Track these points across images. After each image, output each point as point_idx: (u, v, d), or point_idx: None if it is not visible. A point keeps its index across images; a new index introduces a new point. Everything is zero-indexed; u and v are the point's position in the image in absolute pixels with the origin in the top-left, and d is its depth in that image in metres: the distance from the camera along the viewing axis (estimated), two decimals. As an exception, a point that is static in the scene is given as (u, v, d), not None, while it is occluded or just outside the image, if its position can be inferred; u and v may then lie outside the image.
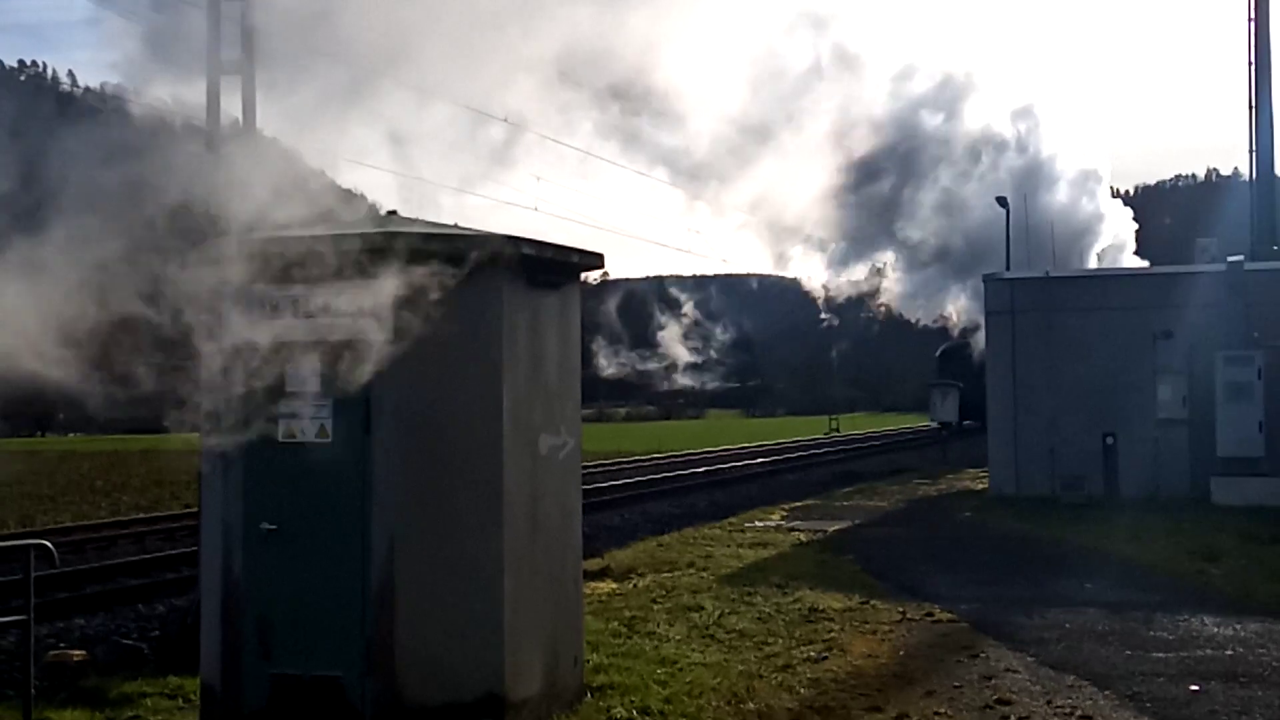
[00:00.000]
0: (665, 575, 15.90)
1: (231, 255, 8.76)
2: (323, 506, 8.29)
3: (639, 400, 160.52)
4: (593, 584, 14.12)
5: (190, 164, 8.94)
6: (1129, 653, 11.03)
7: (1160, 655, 10.92)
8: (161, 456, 56.73)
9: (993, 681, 9.98)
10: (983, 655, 10.94)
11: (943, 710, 9.14)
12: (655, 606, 13.47)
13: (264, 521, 8.34)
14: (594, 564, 15.87)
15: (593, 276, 10.24)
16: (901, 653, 11.16)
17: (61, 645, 13.01)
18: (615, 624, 12.34)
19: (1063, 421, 25.40)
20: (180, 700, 9.83)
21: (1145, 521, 20.21)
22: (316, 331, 8.34)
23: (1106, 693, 9.63)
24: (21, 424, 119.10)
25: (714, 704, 9.22)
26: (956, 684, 9.92)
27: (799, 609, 13.14)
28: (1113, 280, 27.41)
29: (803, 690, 9.70)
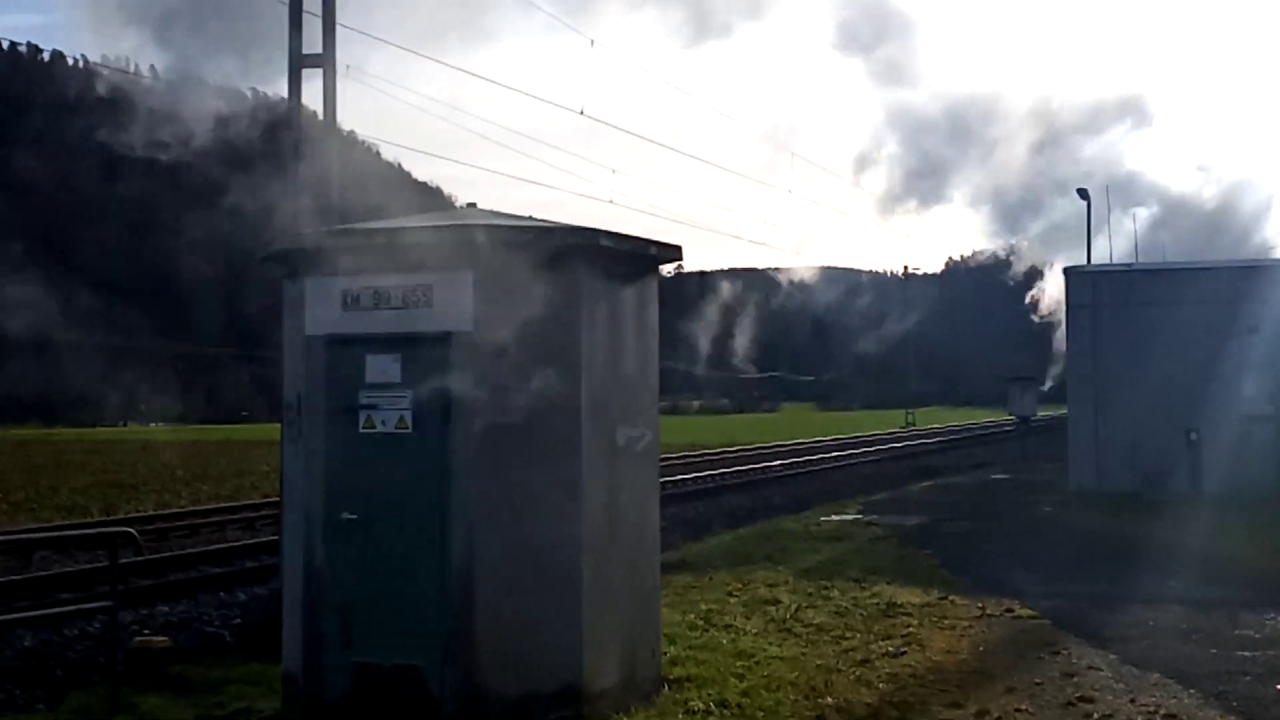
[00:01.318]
0: (741, 568, 15.86)
1: (311, 247, 8.84)
2: (403, 497, 8.34)
3: (713, 393, 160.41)
4: (669, 577, 14.09)
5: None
6: (1214, 651, 10.85)
7: (1246, 654, 10.73)
8: (240, 447, 57.61)
9: (1075, 679, 9.84)
10: (1064, 652, 10.80)
11: (1024, 707, 9.03)
12: (732, 599, 13.44)
13: (345, 511, 8.41)
14: (670, 557, 15.84)
15: (668, 269, 10.20)
16: (981, 649, 11.05)
17: (146, 632, 13.20)
18: (692, 617, 12.31)
19: (1145, 416, 25.00)
20: (263, 688, 9.92)
21: (1229, 518, 19.88)
22: (396, 323, 8.38)
23: (1191, 691, 9.47)
24: (105, 414, 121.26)
25: (791, 698, 9.17)
26: (1037, 680, 9.80)
27: (877, 603, 13.05)
28: (1198, 273, 26.91)
29: (881, 685, 9.62)
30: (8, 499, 31.48)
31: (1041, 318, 66.02)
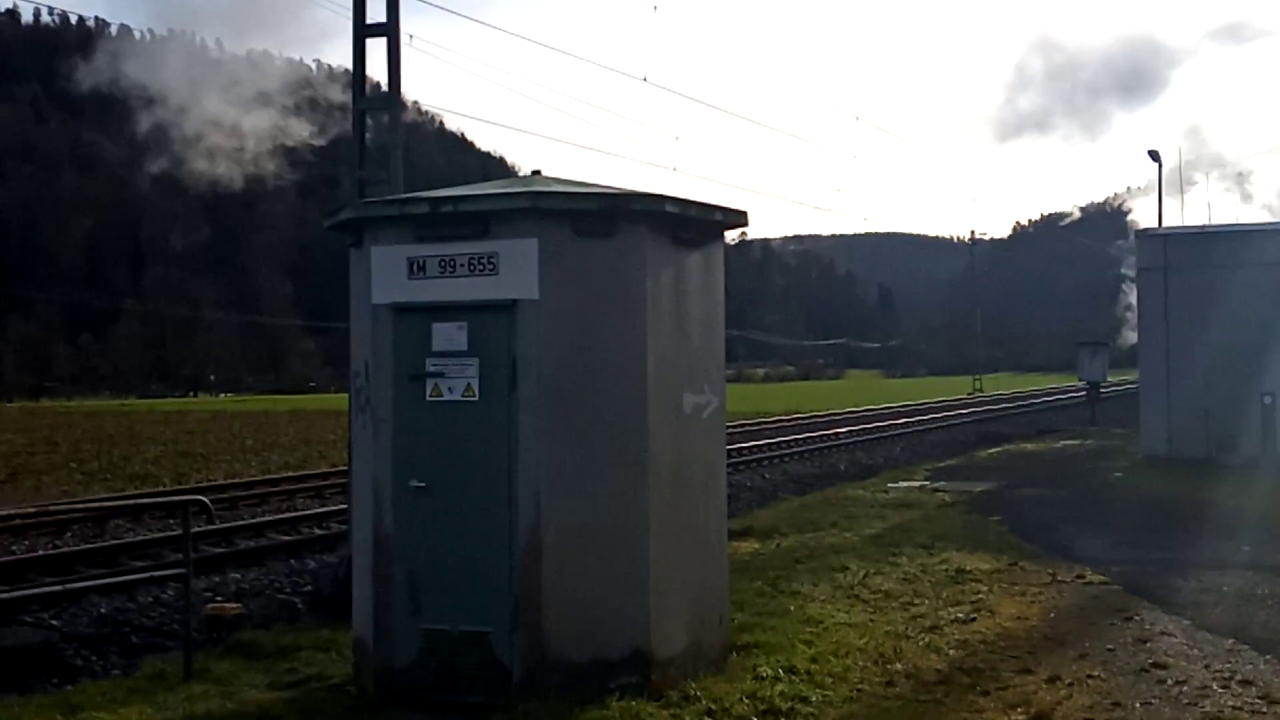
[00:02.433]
0: (808, 535, 15.82)
1: (378, 215, 8.86)
2: (470, 464, 8.35)
3: (777, 361, 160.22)
4: (736, 543, 14.08)
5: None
6: (1289, 617, 10.69)
7: (1323, 620, 10.56)
8: (308, 417, 58.15)
9: (1148, 645, 9.73)
10: (1137, 618, 10.68)
11: (1096, 674, 8.94)
12: (799, 566, 13.40)
13: (413, 479, 8.44)
14: (736, 524, 15.82)
15: (732, 235, 10.13)
16: (1052, 615, 10.94)
17: (218, 598, 13.37)
18: (759, 583, 12.29)
19: (1218, 381, 24.61)
20: (333, 653, 10.01)
21: (1305, 483, 19.56)
22: (462, 290, 8.38)
23: (1267, 657, 9.33)
24: (176, 384, 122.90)
25: (861, 664, 9.13)
26: (1110, 647, 9.69)
27: (945, 570, 12.97)
28: (1270, 235, 26.42)
29: (951, 651, 9.56)
30: (82, 469, 32.01)
31: None
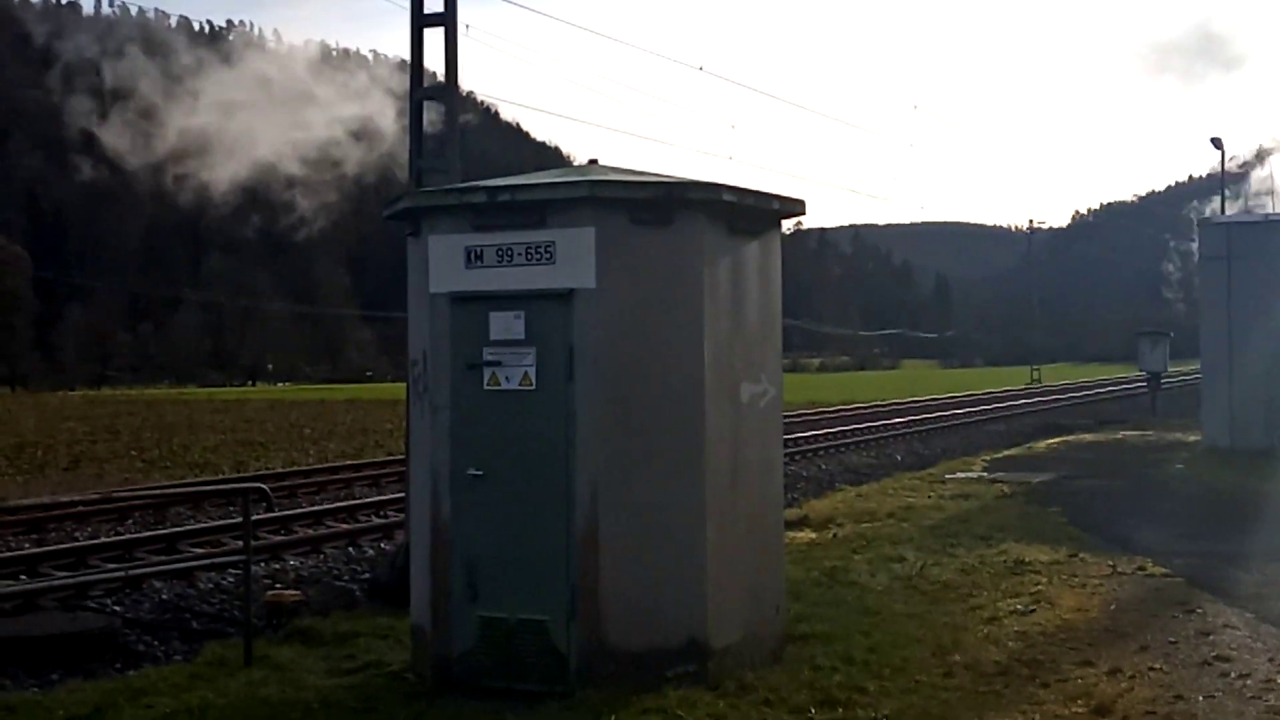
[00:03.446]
0: (865, 525, 15.75)
1: (435, 204, 8.88)
2: (527, 453, 8.37)
3: (833, 350, 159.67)
4: (792, 533, 14.03)
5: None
6: (1355, 611, 10.53)
7: (1390, 614, 10.39)
8: (365, 406, 58.53)
9: (1210, 637, 9.62)
10: (1199, 611, 10.56)
11: (1158, 666, 8.85)
12: (856, 556, 13.34)
13: (470, 467, 8.46)
14: (792, 514, 15.78)
15: (788, 224, 10.07)
16: (1112, 607, 10.83)
17: (277, 585, 13.48)
18: (816, 573, 12.25)
19: (1280, 372, 24.29)
20: (391, 640, 10.07)
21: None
22: (519, 279, 8.39)
23: (1334, 652, 9.20)
24: (234, 374, 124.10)
25: (919, 655, 9.08)
26: (1171, 639, 9.59)
27: (1004, 561, 12.87)
28: (1337, 223, 26.00)
29: (1010, 643, 9.49)
30: (142, 456, 32.38)
31: None
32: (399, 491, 19.57)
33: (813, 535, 15.13)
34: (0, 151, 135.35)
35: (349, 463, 28.32)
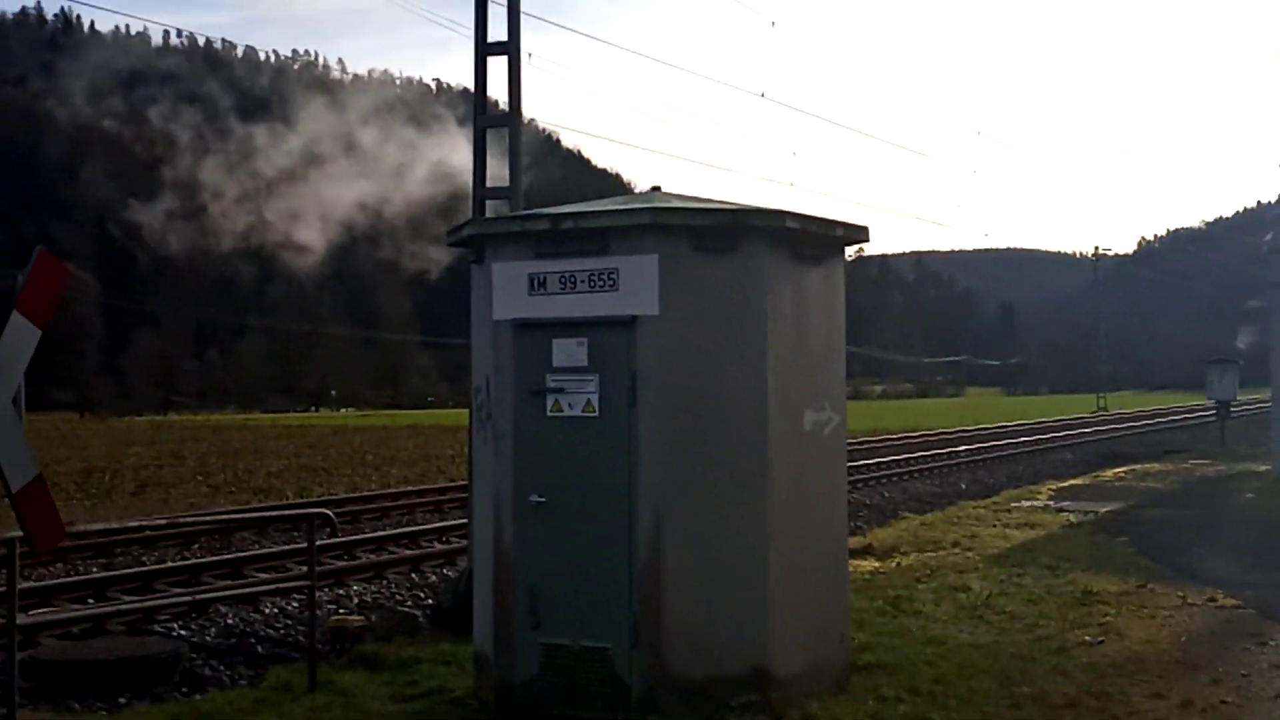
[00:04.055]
0: (929, 554, 15.62)
1: (499, 231, 8.92)
2: (590, 480, 8.36)
3: (895, 378, 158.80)
4: (855, 562, 13.93)
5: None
6: None
7: None
8: (426, 432, 58.81)
9: (1284, 671, 9.44)
10: (1272, 643, 10.38)
11: (1230, 699, 8.69)
12: (920, 586, 13.22)
13: (533, 494, 8.46)
14: (856, 542, 15.68)
15: (850, 251, 10.02)
16: (1183, 638, 10.66)
17: (341, 610, 13.54)
18: (880, 602, 12.15)
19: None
20: (454, 667, 10.08)
21: None
22: (583, 306, 8.40)
23: None
24: (298, 399, 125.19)
25: (986, 686, 8.97)
26: (1244, 672, 9.43)
27: (1071, 591, 12.71)
28: None
29: (1079, 674, 9.35)
30: (208, 482, 32.68)
31: None
32: (461, 517, 19.63)
33: (876, 564, 15.02)
34: (71, 179, 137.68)
35: (411, 488, 28.44)
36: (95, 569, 16.51)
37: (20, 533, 7.49)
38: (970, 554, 15.52)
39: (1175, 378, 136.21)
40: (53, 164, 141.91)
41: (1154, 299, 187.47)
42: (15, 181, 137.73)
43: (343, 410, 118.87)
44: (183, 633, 12.43)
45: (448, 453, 42.72)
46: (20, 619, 8.19)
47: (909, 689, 8.79)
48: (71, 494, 28.20)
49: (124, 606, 12.20)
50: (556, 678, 8.34)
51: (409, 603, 14.36)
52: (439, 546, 18.38)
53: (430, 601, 13.97)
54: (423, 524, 21.46)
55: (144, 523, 16.94)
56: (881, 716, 8.13)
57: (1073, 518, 19.41)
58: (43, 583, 14.50)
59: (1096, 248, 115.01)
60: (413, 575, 16.14)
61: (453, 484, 28.03)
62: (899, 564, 14.95)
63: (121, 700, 10.07)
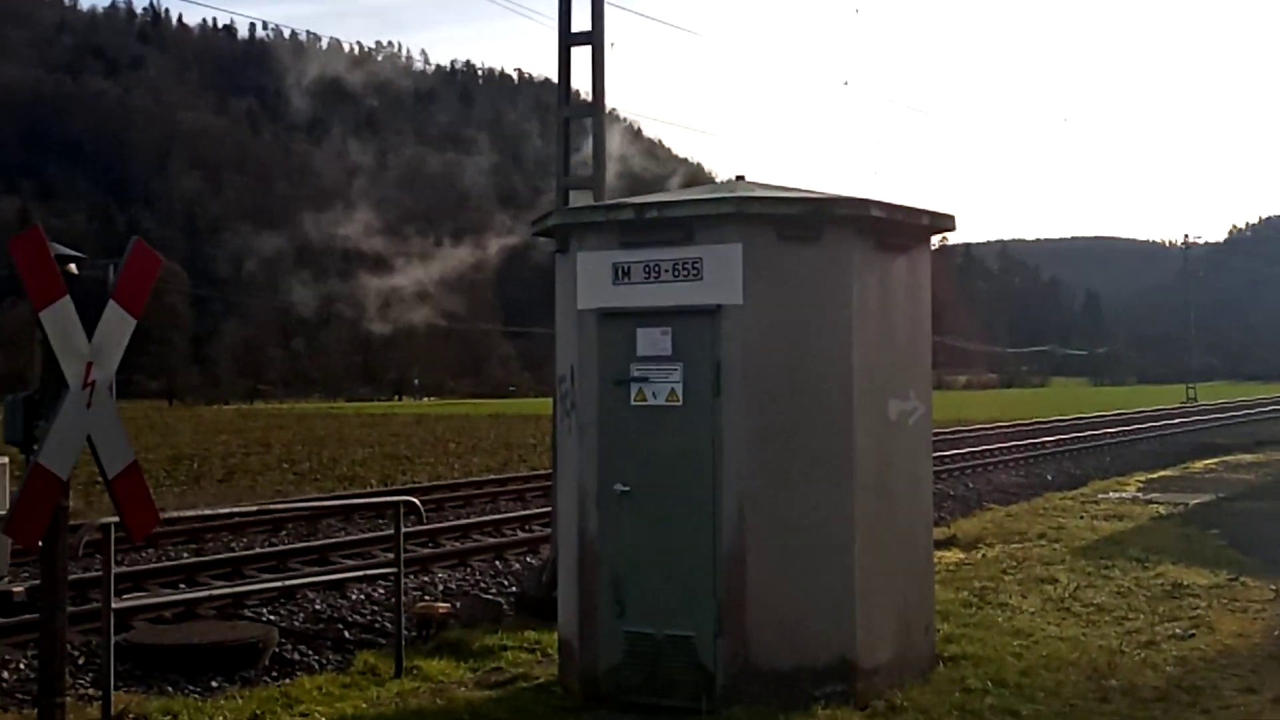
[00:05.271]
0: (1015, 546, 15.46)
1: (583, 221, 8.94)
2: (674, 469, 8.37)
3: (979, 368, 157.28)
4: (940, 553, 13.81)
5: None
6: None
7: None
8: (508, 421, 59.16)
9: (1382, 667, 9.24)
10: (1369, 639, 10.15)
11: (1326, 696, 8.52)
12: (1006, 577, 13.10)
13: (617, 483, 8.48)
14: (940, 533, 15.55)
15: (933, 240, 9.91)
16: (1276, 632, 10.45)
17: (426, 597, 13.67)
18: (965, 594, 12.05)
19: None
20: (538, 654, 10.15)
21: None
22: (667, 296, 8.40)
23: None
24: (381, 388, 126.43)
25: (1073, 678, 8.86)
26: (1340, 668, 9.23)
27: (1161, 584, 12.52)
28: None
29: (1169, 668, 9.21)
30: (293, 469, 33.11)
31: None
32: (544, 506, 19.74)
33: (961, 555, 14.89)
34: (160, 171, 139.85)
35: (493, 477, 28.62)
36: (186, 554, 16.79)
37: (116, 518, 7.64)
38: (1057, 546, 15.34)
39: (1267, 368, 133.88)
40: (143, 156, 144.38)
41: (1245, 288, 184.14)
42: (106, 174, 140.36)
43: (425, 399, 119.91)
44: (271, 618, 12.61)
45: (529, 441, 42.94)
46: (115, 603, 8.35)
47: (995, 680, 8.71)
48: (161, 480, 28.69)
49: (215, 592, 12.40)
50: (640, 666, 8.36)
51: (493, 590, 14.46)
52: (522, 535, 18.49)
53: (514, 589, 14.06)
54: (506, 512, 21.59)
55: (235, 509, 17.21)
56: (968, 708, 8.06)
57: (1162, 510, 19.12)
58: (135, 567, 14.77)
59: (1186, 236, 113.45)
60: (496, 563, 16.24)
61: (535, 473, 28.17)
62: (984, 555, 14.82)
63: (212, 683, 10.26)
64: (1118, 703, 8.34)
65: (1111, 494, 21.85)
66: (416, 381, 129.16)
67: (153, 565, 15.21)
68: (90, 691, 9.77)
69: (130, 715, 8.24)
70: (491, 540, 17.92)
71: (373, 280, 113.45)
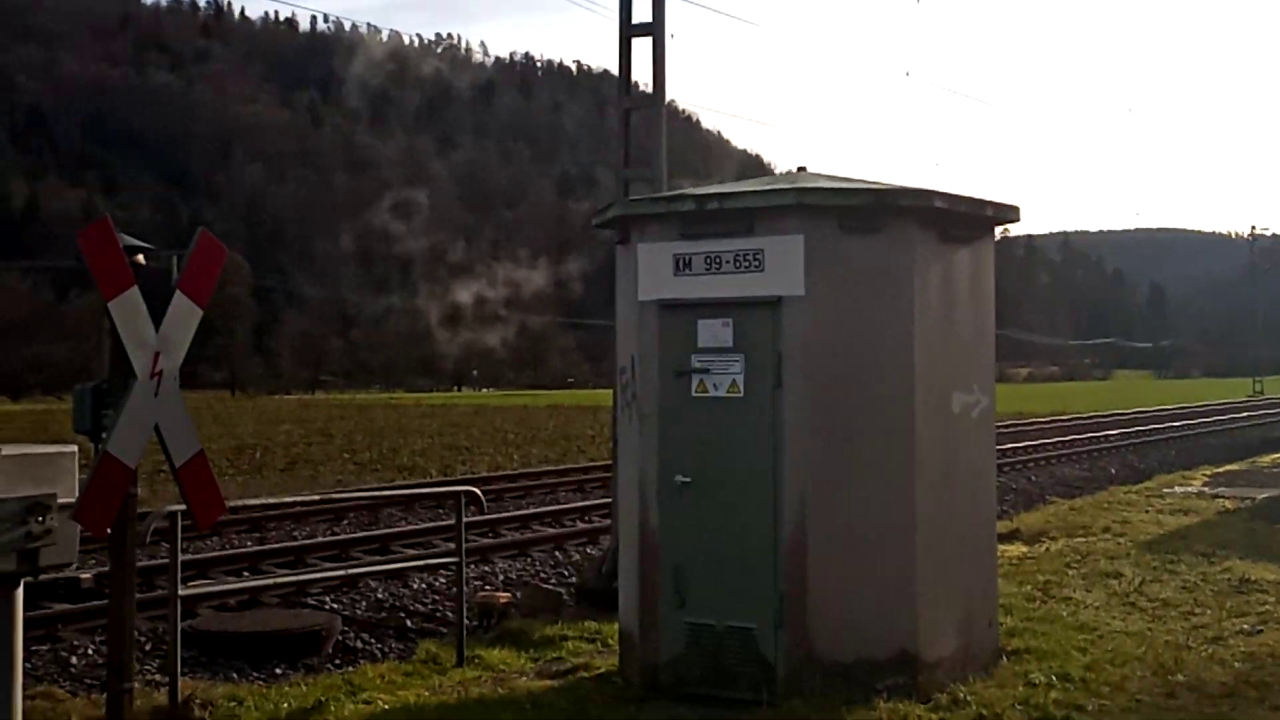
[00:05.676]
0: (1078, 540, 15.31)
1: (645, 212, 8.93)
2: (735, 460, 8.35)
3: (1041, 361, 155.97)
4: (1003, 547, 13.69)
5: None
6: None
7: None
8: (567, 412, 59.30)
9: None
10: None
11: (1397, 694, 8.39)
12: (1070, 571, 12.98)
13: (678, 474, 8.48)
14: (1003, 526, 15.39)
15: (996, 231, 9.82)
16: (1346, 629, 10.31)
17: (487, 587, 13.74)
18: (1028, 588, 11.96)
19: None
20: (598, 644, 10.17)
21: None
22: (728, 287, 8.38)
23: None
24: (441, 379, 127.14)
25: (1139, 674, 8.77)
26: None
27: (1228, 579, 12.36)
28: None
29: (1236, 664, 9.09)
30: (354, 459, 33.37)
31: None
32: (603, 497, 19.78)
33: (1024, 549, 14.78)
34: (223, 164, 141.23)
35: (552, 468, 28.71)
36: (250, 543, 16.97)
37: (183, 506, 7.73)
38: (1122, 540, 15.19)
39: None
40: (205, 149, 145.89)
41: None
42: (169, 166, 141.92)
43: (484, 390, 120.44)
44: (334, 606, 12.72)
45: (588, 433, 43.04)
46: (181, 590, 8.45)
47: (1060, 675, 8.63)
48: (224, 470, 29.00)
49: (279, 580, 12.52)
50: (701, 657, 8.36)
51: (553, 580, 14.52)
52: (582, 525, 18.54)
53: (574, 579, 14.11)
54: (565, 503, 21.65)
55: (298, 499, 17.36)
56: (1032, 702, 8.00)
57: (1229, 504, 18.88)
58: (200, 555, 14.96)
59: (1253, 227, 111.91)
60: (556, 553, 16.30)
61: (594, 463, 28.23)
62: (1048, 549, 14.70)
63: (277, 670, 10.36)
64: (1184, 698, 8.25)
65: (1177, 488, 21.60)
66: (475, 373, 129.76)
67: (217, 553, 15.40)
68: (157, 677, 9.90)
69: (196, 701, 8.33)
70: (551, 531, 17.98)
71: (433, 303, 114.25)
